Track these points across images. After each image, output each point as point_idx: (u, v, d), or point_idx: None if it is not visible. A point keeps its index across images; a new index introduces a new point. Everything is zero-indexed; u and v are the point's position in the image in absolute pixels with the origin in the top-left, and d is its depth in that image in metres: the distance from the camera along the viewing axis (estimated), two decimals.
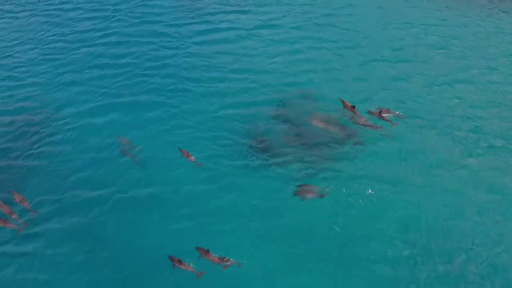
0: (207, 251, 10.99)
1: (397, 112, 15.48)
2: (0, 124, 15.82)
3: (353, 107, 15.56)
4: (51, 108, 16.42)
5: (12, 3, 23.96)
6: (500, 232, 11.95)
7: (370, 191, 12.85)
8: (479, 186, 13.26)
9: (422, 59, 19.06)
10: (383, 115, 15.27)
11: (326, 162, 13.94)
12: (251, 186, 13.08)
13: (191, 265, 10.80)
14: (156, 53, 19.50)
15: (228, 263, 10.76)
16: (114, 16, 22.16)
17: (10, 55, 19.65)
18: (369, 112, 15.47)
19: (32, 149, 14.64)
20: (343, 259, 11.31)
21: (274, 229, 11.92)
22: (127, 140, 14.54)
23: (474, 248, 11.57)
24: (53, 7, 23.34)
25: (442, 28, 21.31)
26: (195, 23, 21.69)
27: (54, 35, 20.96)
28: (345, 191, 12.87)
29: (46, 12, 22.85)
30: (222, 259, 10.85)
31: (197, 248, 11.12)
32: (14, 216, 12.21)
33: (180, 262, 10.84)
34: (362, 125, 15.18)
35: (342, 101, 15.91)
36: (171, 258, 10.98)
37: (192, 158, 13.66)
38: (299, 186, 12.95)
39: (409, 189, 13.04)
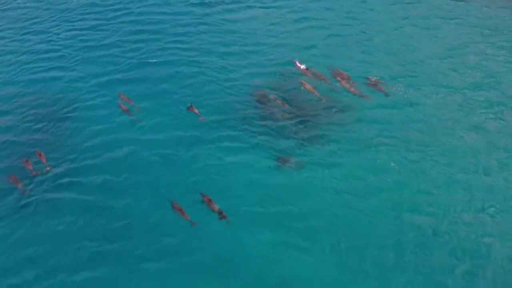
0: (210, 199, 11.80)
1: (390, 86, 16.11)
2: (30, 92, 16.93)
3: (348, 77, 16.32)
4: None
5: None
6: None
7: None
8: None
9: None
10: (379, 86, 15.89)
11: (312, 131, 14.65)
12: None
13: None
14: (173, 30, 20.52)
15: (224, 216, 11.49)
16: None
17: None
18: (366, 84, 16.08)
19: (61, 114, 15.69)
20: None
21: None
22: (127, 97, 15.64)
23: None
24: None
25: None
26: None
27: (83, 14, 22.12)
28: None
29: None
30: (220, 211, 11.59)
31: (202, 194, 12.01)
32: (33, 173, 13.18)
33: (180, 209, 11.64)
34: (352, 93, 15.77)
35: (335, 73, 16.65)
36: (172, 203, 11.84)
37: (196, 110, 14.86)
38: (279, 157, 13.58)
39: (393, 156, 13.68)
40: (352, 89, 15.82)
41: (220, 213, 11.54)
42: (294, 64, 17.13)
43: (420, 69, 17.43)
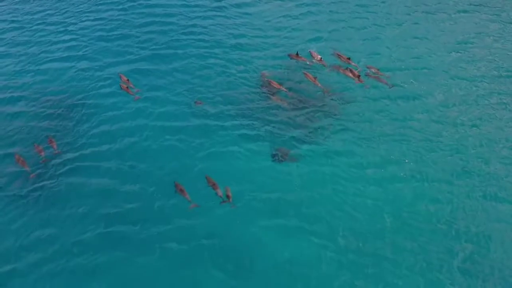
0: (215, 183, 11.99)
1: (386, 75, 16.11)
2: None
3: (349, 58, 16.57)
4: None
5: None
6: None
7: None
8: None
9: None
10: (379, 77, 15.94)
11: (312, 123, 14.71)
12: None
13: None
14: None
15: (227, 200, 11.67)
16: None
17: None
18: (367, 74, 16.11)
19: (72, 101, 15.95)
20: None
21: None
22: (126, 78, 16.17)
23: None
24: None
25: None
26: None
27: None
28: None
29: None
30: (228, 195, 11.72)
31: (207, 177, 12.23)
32: (43, 160, 13.43)
33: (182, 190, 11.92)
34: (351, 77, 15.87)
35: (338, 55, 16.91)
36: (175, 184, 12.10)
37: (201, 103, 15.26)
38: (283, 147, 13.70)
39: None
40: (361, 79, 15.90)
41: (227, 197, 11.70)
42: (310, 54, 17.18)
43: (430, 60, 17.42)
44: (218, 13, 21.59)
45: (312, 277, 10.40)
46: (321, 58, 16.87)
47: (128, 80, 16.22)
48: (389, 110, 15.04)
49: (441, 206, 11.92)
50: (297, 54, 16.99)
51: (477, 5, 21.27)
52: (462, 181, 12.59)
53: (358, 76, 15.77)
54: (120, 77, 16.36)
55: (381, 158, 13.34)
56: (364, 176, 12.80)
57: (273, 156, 13.37)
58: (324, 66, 16.63)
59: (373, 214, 11.74)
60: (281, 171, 13.03)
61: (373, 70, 16.25)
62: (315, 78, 15.86)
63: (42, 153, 13.58)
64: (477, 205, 11.99)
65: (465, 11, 20.87)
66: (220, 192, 11.82)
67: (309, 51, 17.34)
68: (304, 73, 16.28)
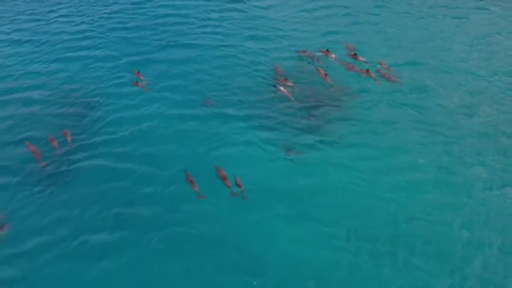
0: (225, 175, 11.98)
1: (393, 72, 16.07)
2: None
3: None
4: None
5: None
6: None
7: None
8: None
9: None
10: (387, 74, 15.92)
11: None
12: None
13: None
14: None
15: (237, 193, 11.62)
16: None
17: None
18: (377, 71, 16.11)
19: (86, 91, 16.15)
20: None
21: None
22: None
23: None
24: None
25: None
26: None
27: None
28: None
29: None
30: (239, 185, 11.67)
31: (216, 167, 12.27)
32: (57, 151, 13.52)
33: (191, 181, 11.97)
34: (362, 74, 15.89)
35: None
36: (186, 174, 12.17)
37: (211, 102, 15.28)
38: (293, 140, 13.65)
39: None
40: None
41: (238, 186, 11.74)
42: (323, 52, 17.18)
43: (444, 57, 17.23)
44: (234, 6, 21.77)
45: (325, 276, 10.26)
46: (335, 56, 16.87)
47: (138, 72, 16.42)
48: (405, 107, 14.85)
49: (458, 208, 11.68)
50: (327, 50, 17.03)
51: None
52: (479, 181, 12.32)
53: (367, 71, 15.86)
54: (135, 74, 16.50)
55: (393, 152, 13.19)
56: (376, 170, 12.64)
57: (286, 150, 13.33)
58: (342, 65, 16.63)
59: (388, 213, 11.52)
60: (294, 165, 12.94)
61: (384, 66, 16.16)
62: (326, 74, 15.84)
63: (55, 142, 13.68)
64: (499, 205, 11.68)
65: (483, 8, 20.56)
66: (229, 183, 11.82)
67: (322, 50, 17.32)
68: (317, 69, 16.29)
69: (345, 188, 12.14)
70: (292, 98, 15.24)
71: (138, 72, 16.46)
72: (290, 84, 15.71)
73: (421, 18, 20.14)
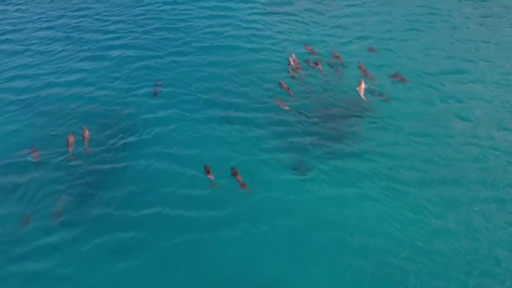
0: (237, 172, 12.74)
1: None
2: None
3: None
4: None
5: None
6: None
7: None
8: None
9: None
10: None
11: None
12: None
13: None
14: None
15: (245, 187, 12.43)
16: None
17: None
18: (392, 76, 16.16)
19: (106, 92, 16.55)
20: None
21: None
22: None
23: None
24: None
25: None
26: None
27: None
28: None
29: None
30: (243, 184, 12.48)
31: (232, 168, 12.96)
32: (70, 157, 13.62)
33: (208, 170, 12.87)
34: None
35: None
36: (205, 166, 13.02)
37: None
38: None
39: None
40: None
41: (243, 185, 12.50)
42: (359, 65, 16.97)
43: (473, 68, 17.05)
44: (260, 10, 22.03)
45: None
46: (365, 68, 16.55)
47: (160, 83, 16.85)
48: (428, 116, 14.86)
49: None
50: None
51: None
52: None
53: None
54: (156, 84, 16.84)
55: (410, 163, 13.21)
56: (389, 180, 12.69)
57: (297, 166, 13.35)
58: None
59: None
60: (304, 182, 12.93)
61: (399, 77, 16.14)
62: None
63: (71, 148, 13.85)
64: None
65: None
66: (240, 179, 12.58)
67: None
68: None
69: (357, 201, 12.27)
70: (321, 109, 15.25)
71: (160, 83, 16.85)
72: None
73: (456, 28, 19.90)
